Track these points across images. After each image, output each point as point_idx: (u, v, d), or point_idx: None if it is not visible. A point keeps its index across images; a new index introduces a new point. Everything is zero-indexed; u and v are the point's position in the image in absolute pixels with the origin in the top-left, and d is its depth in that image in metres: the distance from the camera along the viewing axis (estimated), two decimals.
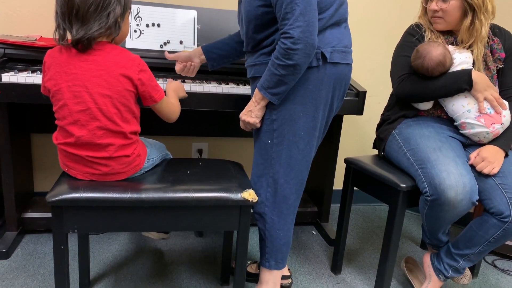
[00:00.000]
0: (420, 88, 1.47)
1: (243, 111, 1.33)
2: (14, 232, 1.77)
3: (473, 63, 1.48)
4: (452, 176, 1.30)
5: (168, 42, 1.77)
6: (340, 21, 1.28)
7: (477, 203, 1.34)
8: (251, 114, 1.31)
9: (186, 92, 1.47)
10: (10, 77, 1.44)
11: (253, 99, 1.30)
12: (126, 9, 1.15)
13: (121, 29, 1.15)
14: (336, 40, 1.26)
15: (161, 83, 1.53)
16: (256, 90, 1.27)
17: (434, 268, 1.55)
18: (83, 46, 1.09)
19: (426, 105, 1.54)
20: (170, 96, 1.34)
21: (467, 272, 1.58)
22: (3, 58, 1.55)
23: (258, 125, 1.32)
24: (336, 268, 1.77)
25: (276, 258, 1.40)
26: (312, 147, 1.35)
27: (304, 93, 1.26)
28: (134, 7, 1.72)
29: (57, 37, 1.10)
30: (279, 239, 1.38)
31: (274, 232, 1.38)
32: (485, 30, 1.45)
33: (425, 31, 1.55)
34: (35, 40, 1.64)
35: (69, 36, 1.10)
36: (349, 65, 1.31)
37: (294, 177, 1.34)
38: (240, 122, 1.36)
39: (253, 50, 1.32)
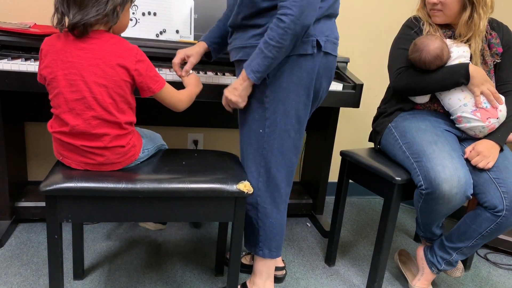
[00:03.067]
0: (417, 81, 1.47)
1: (228, 87, 1.30)
2: (7, 221, 1.76)
3: (471, 57, 1.48)
4: (447, 170, 1.30)
5: (164, 31, 1.75)
6: (333, 15, 1.28)
7: (471, 197, 1.34)
8: (234, 92, 1.26)
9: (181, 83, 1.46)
10: (3, 65, 1.42)
11: (240, 77, 1.25)
12: (126, 0, 1.13)
13: (119, 18, 1.13)
14: (329, 31, 1.26)
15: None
16: (243, 70, 1.23)
17: (427, 260, 1.57)
18: (79, 32, 1.07)
19: (423, 99, 1.54)
20: (188, 89, 1.34)
21: (460, 265, 1.60)
22: None
23: (241, 105, 1.28)
24: (330, 260, 1.78)
25: (269, 246, 1.40)
26: (302, 134, 1.35)
27: (298, 81, 1.24)
28: None
29: (55, 21, 1.09)
30: (273, 228, 1.38)
31: (267, 221, 1.37)
32: (483, 24, 1.44)
33: (423, 24, 1.54)
34: (29, 27, 1.62)
35: (67, 21, 1.09)
36: (336, 57, 1.32)
37: (285, 165, 1.34)
38: (223, 98, 1.32)
39: (243, 25, 1.26)
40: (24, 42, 1.56)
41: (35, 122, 1.95)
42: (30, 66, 1.43)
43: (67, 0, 1.05)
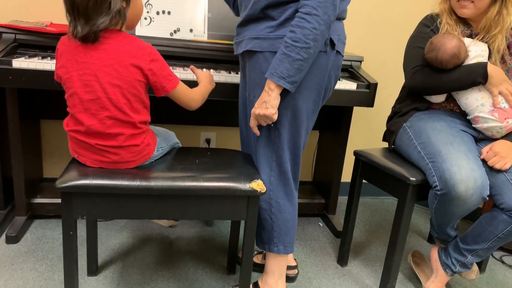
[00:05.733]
0: (433, 80, 1.45)
1: (255, 106, 1.23)
2: (23, 217, 1.79)
3: (489, 56, 1.45)
4: (463, 171, 1.28)
5: (178, 30, 1.76)
6: (343, 17, 1.29)
7: (487, 198, 1.32)
8: (266, 106, 1.19)
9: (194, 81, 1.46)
10: (20, 63, 1.44)
11: (265, 89, 1.19)
12: None
13: (126, 16, 1.12)
14: (340, 31, 1.26)
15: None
16: (268, 80, 1.17)
17: (441, 262, 1.55)
18: (90, 40, 1.08)
19: (439, 98, 1.52)
20: (201, 85, 1.34)
21: (475, 267, 1.57)
22: (13, 44, 1.55)
23: (275, 117, 1.21)
24: (342, 260, 1.77)
25: (284, 242, 1.40)
26: (309, 130, 1.36)
27: (310, 77, 1.23)
28: None
29: (70, 33, 1.10)
30: (286, 222, 1.38)
31: (281, 215, 1.37)
32: (510, 20, 1.41)
33: (440, 23, 1.52)
34: (46, 26, 1.64)
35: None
36: (342, 57, 1.33)
37: (292, 159, 1.35)
38: (251, 119, 1.26)
39: (257, 17, 1.22)
40: (41, 41, 1.58)
41: (50, 119, 1.98)
42: (46, 64, 1.45)
43: (73, 15, 1.06)
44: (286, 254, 1.42)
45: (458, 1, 1.46)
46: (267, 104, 1.20)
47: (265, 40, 1.21)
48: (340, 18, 1.27)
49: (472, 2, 1.44)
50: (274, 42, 1.19)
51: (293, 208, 1.39)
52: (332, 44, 1.23)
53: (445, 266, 1.53)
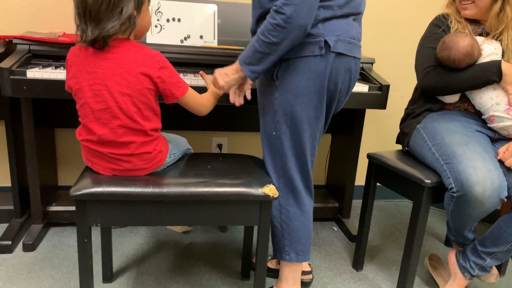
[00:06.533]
0: (446, 80, 1.43)
1: (221, 69, 1.28)
2: (39, 225, 1.81)
3: (503, 54, 1.42)
4: (479, 172, 1.26)
5: (189, 37, 1.77)
6: (351, 14, 1.20)
7: (505, 199, 1.29)
8: (224, 78, 1.26)
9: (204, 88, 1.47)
10: (35, 73, 1.46)
11: (234, 66, 1.25)
12: (141, 3, 1.13)
13: (136, 24, 1.13)
14: (342, 30, 1.19)
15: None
16: (237, 60, 1.22)
17: (459, 266, 1.52)
18: (100, 45, 1.09)
19: (452, 98, 1.50)
20: (210, 91, 1.34)
21: (494, 270, 1.54)
22: (28, 55, 1.58)
23: (221, 92, 1.31)
24: (357, 264, 1.75)
25: (296, 250, 1.38)
26: (315, 138, 1.31)
27: (308, 84, 1.20)
28: (154, 2, 1.72)
29: (78, 38, 1.11)
30: (297, 230, 1.36)
31: (291, 223, 1.35)
32: None
33: (451, 22, 1.50)
34: (59, 36, 1.67)
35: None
36: (356, 58, 1.25)
37: (300, 167, 1.32)
38: (213, 77, 1.30)
39: (256, 30, 1.24)
40: (54, 51, 1.61)
41: (65, 128, 2.01)
42: (59, 74, 1.47)
43: (83, 17, 1.07)
44: (298, 262, 1.39)
45: (461, 2, 1.46)
46: (227, 77, 1.26)
47: None
48: (345, 15, 1.19)
49: (473, 2, 1.43)
50: None
51: (304, 216, 1.36)
52: (328, 46, 1.17)
53: (463, 269, 1.50)
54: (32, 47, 1.60)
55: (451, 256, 1.56)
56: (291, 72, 1.21)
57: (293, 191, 1.34)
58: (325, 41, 1.17)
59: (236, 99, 1.39)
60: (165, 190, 1.15)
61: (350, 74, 1.26)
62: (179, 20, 1.76)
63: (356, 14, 1.22)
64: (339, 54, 1.19)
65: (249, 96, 1.38)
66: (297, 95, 1.22)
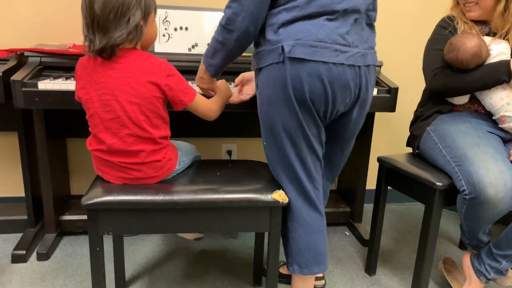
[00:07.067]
0: (455, 81, 1.42)
1: (197, 75, 1.33)
2: (53, 234, 1.83)
3: (511, 54, 1.41)
4: (491, 173, 1.24)
5: (196, 45, 1.79)
6: (320, 14, 1.08)
7: None
8: (202, 81, 1.32)
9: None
10: (46, 85, 1.49)
11: (200, 66, 1.29)
12: (148, 12, 1.15)
13: (143, 33, 1.15)
14: (304, 33, 1.07)
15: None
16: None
17: (474, 269, 1.49)
18: (107, 54, 1.11)
19: (462, 99, 1.48)
20: (217, 95, 1.37)
21: (510, 273, 1.51)
22: (39, 67, 1.61)
23: (212, 92, 1.37)
24: (370, 269, 1.73)
25: (298, 262, 1.31)
26: (302, 149, 1.20)
27: (275, 92, 1.14)
28: (162, 12, 1.74)
29: (86, 48, 1.13)
30: (297, 243, 1.29)
31: (290, 236, 1.30)
32: None
33: (457, 23, 1.49)
34: (69, 47, 1.70)
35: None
36: (327, 64, 1.09)
37: (292, 180, 1.25)
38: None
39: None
40: (65, 62, 1.64)
41: (76, 138, 2.04)
42: (70, 85, 1.50)
43: (92, 27, 1.09)
44: (302, 275, 1.32)
45: (464, 4, 1.46)
46: (203, 80, 1.32)
47: (253, 58, 1.26)
48: (309, 16, 1.08)
49: (476, 3, 1.42)
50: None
51: (304, 229, 1.28)
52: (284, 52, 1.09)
53: (478, 273, 1.48)
54: (43, 59, 1.63)
55: (466, 259, 1.54)
56: (263, 81, 1.18)
57: (288, 203, 1.27)
58: (282, 47, 1.09)
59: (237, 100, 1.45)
60: (175, 197, 1.16)
61: (321, 80, 1.10)
62: (186, 28, 1.78)
63: (330, 13, 1.08)
64: (298, 59, 1.08)
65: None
66: (269, 105, 1.18)
